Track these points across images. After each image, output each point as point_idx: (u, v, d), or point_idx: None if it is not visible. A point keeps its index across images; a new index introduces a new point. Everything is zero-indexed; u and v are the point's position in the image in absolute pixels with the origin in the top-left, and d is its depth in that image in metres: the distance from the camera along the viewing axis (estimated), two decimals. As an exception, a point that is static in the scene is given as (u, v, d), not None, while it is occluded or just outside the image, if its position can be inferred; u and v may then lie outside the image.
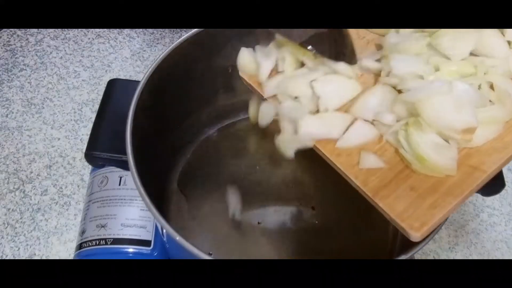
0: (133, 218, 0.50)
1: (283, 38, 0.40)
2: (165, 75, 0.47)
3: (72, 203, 0.60)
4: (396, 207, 0.34)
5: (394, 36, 0.40)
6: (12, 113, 0.67)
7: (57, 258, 0.56)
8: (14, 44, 0.75)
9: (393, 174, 0.36)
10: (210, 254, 0.52)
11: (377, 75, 0.40)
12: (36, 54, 0.74)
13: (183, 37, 0.47)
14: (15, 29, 0.76)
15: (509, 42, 0.39)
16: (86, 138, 0.59)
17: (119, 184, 0.52)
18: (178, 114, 0.54)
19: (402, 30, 0.40)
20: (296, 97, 0.39)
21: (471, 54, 0.38)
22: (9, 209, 0.59)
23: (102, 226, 0.50)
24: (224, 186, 0.56)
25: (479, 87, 0.37)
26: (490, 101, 0.36)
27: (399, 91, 0.37)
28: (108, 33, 0.78)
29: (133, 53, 0.75)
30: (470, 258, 0.59)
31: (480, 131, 0.35)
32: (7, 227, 0.58)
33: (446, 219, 0.35)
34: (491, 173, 0.34)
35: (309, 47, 0.38)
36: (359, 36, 0.43)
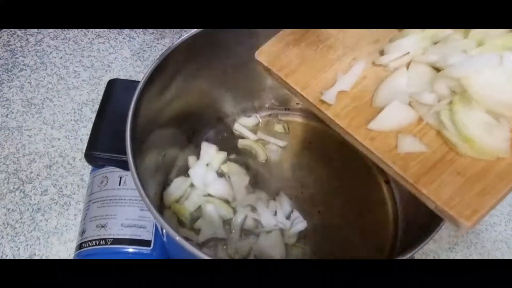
0: (133, 218, 0.50)
1: None
2: (165, 75, 0.47)
3: (72, 203, 0.60)
4: (442, 194, 0.31)
5: None
6: (12, 113, 0.67)
7: (57, 258, 0.56)
8: (14, 44, 0.75)
9: (436, 158, 0.32)
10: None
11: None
12: (36, 54, 0.74)
13: (183, 37, 0.47)
14: (15, 29, 0.76)
15: None
16: (86, 138, 0.59)
17: (119, 184, 0.52)
18: (178, 115, 0.54)
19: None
20: None
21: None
22: (9, 209, 0.59)
23: (102, 226, 0.49)
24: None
25: None
26: None
27: (438, 70, 0.35)
28: (108, 33, 0.78)
29: (133, 53, 0.75)
30: (470, 258, 0.59)
31: None
32: (7, 227, 0.58)
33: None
34: None
35: None
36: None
